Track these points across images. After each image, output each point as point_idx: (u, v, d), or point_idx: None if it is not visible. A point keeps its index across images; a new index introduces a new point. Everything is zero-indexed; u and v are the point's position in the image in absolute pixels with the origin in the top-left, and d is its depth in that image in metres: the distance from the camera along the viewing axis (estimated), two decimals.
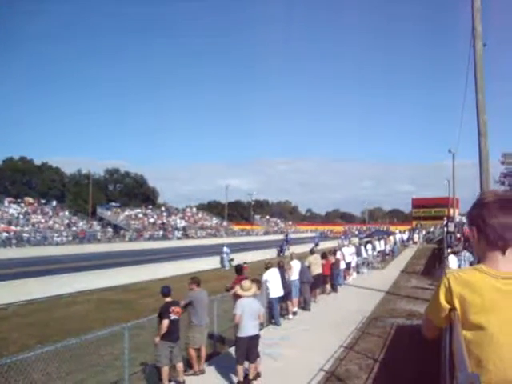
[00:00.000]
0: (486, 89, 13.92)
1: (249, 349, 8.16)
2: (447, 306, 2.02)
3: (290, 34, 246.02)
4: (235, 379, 8.18)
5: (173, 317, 8.16)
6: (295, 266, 14.83)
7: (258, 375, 8.52)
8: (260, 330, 9.47)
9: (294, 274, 14.59)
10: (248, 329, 8.14)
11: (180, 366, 8.29)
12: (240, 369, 8.04)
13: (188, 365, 8.96)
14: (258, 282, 10.12)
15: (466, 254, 18.25)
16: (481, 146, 13.68)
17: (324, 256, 18.30)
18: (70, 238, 58.25)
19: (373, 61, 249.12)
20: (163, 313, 8.13)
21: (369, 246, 28.75)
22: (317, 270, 16.49)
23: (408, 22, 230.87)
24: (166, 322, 8.02)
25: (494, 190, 2.25)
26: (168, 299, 8.39)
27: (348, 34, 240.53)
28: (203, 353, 9.13)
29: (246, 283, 8.70)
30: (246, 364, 8.34)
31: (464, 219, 41.09)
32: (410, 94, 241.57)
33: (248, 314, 8.17)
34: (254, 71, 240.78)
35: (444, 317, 2.07)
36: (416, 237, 60.41)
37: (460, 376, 1.46)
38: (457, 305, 1.97)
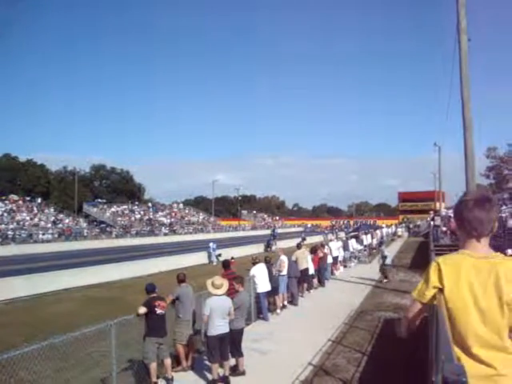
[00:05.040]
0: (471, 83, 14.06)
1: (221, 347, 8.07)
2: (437, 284, 2.45)
3: (276, 36, 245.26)
4: (220, 374, 8.14)
5: (158, 311, 8.13)
6: (286, 261, 14.81)
7: (242, 372, 8.52)
8: (247, 325, 9.47)
9: (285, 270, 14.59)
10: (217, 328, 7.97)
11: (168, 362, 8.26)
12: (215, 368, 7.95)
13: (176, 360, 8.97)
14: (242, 279, 10.05)
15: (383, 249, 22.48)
16: (466, 140, 13.81)
17: (313, 251, 18.39)
18: (56, 236, 57.76)
19: (357, 58, 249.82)
20: (146, 306, 8.13)
21: (353, 241, 28.86)
22: (304, 264, 16.52)
23: (392, 17, 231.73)
24: (143, 309, 8.05)
25: (477, 190, 2.83)
26: (153, 295, 8.38)
27: (333, 32, 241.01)
28: (191, 348, 9.13)
29: (217, 280, 8.41)
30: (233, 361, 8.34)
31: (450, 213, 41.57)
32: (395, 89, 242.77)
33: (217, 312, 7.97)
34: (240, 70, 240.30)
35: (431, 296, 2.49)
36: (399, 231, 60.60)
37: (446, 367, 1.47)
38: (444, 281, 2.41)
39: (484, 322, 2.30)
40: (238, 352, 8.59)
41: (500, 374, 2.22)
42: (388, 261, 21.12)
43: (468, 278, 2.35)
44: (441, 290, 2.44)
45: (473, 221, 2.42)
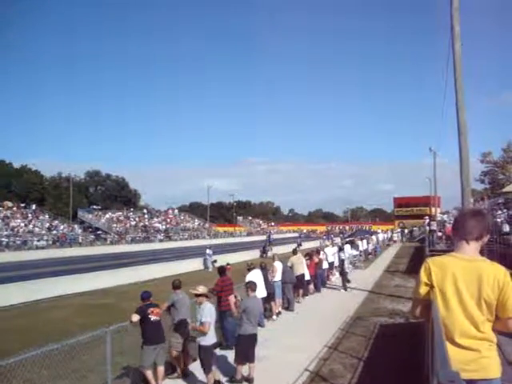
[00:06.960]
0: (465, 88, 14.13)
1: (214, 354, 8.04)
2: (427, 282, 2.86)
3: (273, 38, 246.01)
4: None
5: (153, 318, 8.08)
6: (279, 267, 14.84)
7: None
8: None
9: (278, 275, 14.61)
10: (213, 336, 7.90)
11: (161, 369, 8.18)
12: (210, 377, 7.85)
13: (171, 367, 8.91)
14: (254, 284, 9.92)
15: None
16: (461, 144, 13.85)
17: (309, 256, 18.39)
18: (51, 242, 57.47)
19: (351, 62, 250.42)
20: (139, 313, 8.06)
21: (347, 246, 28.77)
22: (300, 270, 16.50)
23: (386, 21, 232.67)
24: (136, 317, 7.92)
25: (473, 207, 3.25)
26: (146, 302, 8.32)
27: (323, 36, 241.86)
28: (187, 355, 9.07)
29: (201, 288, 8.26)
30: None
31: (445, 217, 41.70)
32: (390, 93, 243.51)
33: (213, 320, 7.97)
34: (235, 75, 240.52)
35: (425, 292, 2.89)
36: (395, 236, 60.88)
37: (441, 373, 1.46)
38: (433, 279, 2.82)
39: (465, 315, 2.69)
40: (251, 358, 8.51)
41: (484, 356, 2.65)
42: (346, 265, 20.93)
43: (454, 277, 2.75)
44: (432, 287, 2.84)
45: (467, 226, 2.89)
